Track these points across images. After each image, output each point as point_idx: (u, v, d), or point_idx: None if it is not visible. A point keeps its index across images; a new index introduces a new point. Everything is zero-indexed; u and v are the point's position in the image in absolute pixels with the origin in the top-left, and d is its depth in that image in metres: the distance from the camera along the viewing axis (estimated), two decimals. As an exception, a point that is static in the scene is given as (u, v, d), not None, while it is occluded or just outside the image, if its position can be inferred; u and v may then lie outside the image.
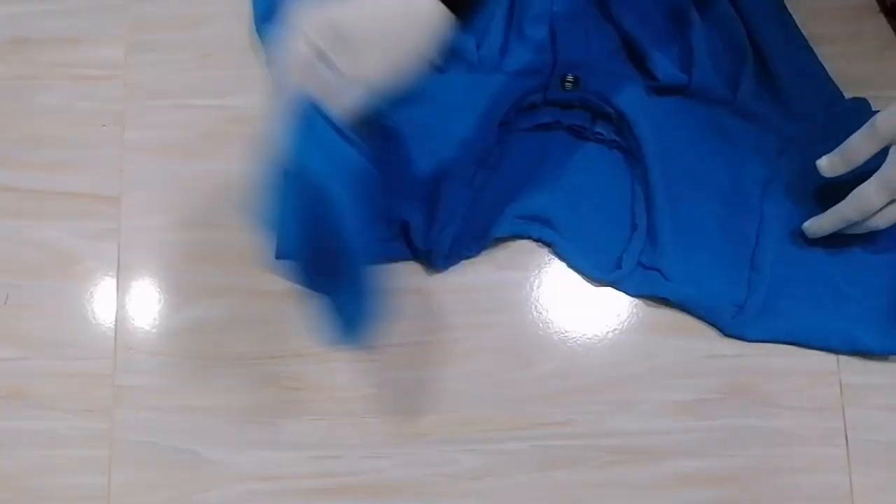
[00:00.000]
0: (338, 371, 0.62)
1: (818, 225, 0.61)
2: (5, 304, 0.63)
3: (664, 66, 0.65)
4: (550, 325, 0.63)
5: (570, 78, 0.65)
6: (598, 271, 0.63)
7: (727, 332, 0.63)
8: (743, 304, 0.62)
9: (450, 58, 0.64)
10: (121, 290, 0.63)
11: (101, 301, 0.63)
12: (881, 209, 0.58)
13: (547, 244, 0.64)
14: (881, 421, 0.61)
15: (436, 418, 0.61)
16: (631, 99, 0.64)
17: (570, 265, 0.64)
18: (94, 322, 0.63)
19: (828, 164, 0.60)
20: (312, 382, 0.62)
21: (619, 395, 0.62)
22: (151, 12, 0.67)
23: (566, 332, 0.63)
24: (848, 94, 0.66)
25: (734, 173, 0.65)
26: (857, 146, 0.58)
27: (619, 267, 0.63)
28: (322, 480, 0.60)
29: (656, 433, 0.61)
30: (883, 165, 0.57)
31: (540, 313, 0.63)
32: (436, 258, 0.62)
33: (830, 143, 0.60)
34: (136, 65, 0.65)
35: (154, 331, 0.63)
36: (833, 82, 0.66)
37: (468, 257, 0.64)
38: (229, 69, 0.66)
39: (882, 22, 0.67)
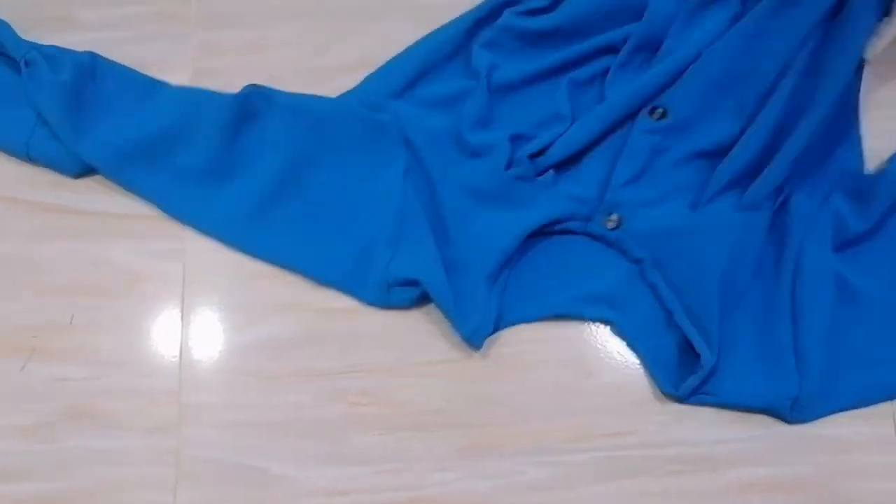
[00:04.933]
0: (404, 386, 0.62)
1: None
2: (71, 324, 0.63)
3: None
4: (609, 337, 0.64)
5: (613, 217, 0.64)
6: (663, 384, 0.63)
7: (791, 422, 0.62)
8: (797, 396, 0.61)
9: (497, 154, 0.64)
10: (186, 308, 0.64)
11: (167, 320, 0.64)
12: None
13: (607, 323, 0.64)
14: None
15: (501, 431, 0.62)
16: (664, 245, 0.64)
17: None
18: (160, 340, 0.63)
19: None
20: (379, 397, 0.62)
21: (680, 405, 0.62)
22: (217, 39, 0.69)
23: (625, 343, 0.64)
24: (879, 115, 0.68)
25: (764, 282, 0.64)
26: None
27: (676, 390, 0.62)
28: (390, 494, 0.60)
29: (719, 442, 0.62)
30: None
31: (599, 326, 0.64)
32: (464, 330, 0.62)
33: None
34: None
35: (220, 348, 0.63)
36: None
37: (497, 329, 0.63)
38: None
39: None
